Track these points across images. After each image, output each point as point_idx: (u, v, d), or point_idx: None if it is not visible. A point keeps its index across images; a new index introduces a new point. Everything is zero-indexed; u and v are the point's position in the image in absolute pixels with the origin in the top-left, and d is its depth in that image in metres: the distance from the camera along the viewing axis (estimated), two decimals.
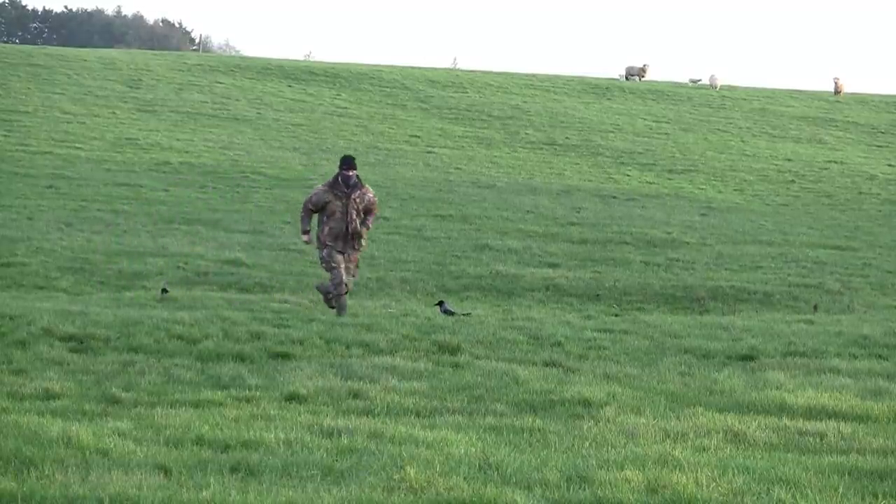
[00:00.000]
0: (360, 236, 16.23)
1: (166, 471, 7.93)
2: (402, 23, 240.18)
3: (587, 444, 9.15)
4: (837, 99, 57.06)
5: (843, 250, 26.46)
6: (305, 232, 16.50)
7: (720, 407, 10.75)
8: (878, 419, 10.45)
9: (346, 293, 16.20)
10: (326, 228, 16.16)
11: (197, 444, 8.73)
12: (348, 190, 16.20)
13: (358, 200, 16.22)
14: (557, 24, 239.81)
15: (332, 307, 16.17)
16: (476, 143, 40.77)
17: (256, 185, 30.74)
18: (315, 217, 16.46)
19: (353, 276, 16.44)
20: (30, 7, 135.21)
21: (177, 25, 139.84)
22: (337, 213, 16.11)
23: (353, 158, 16.61)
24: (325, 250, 16.19)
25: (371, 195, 16.44)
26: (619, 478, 7.92)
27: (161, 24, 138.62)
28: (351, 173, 16.23)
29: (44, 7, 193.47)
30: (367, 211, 16.34)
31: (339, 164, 16.54)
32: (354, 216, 16.15)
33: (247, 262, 21.44)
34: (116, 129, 37.93)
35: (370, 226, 16.49)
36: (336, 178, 16.32)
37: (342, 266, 16.06)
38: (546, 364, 13.23)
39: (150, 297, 17.45)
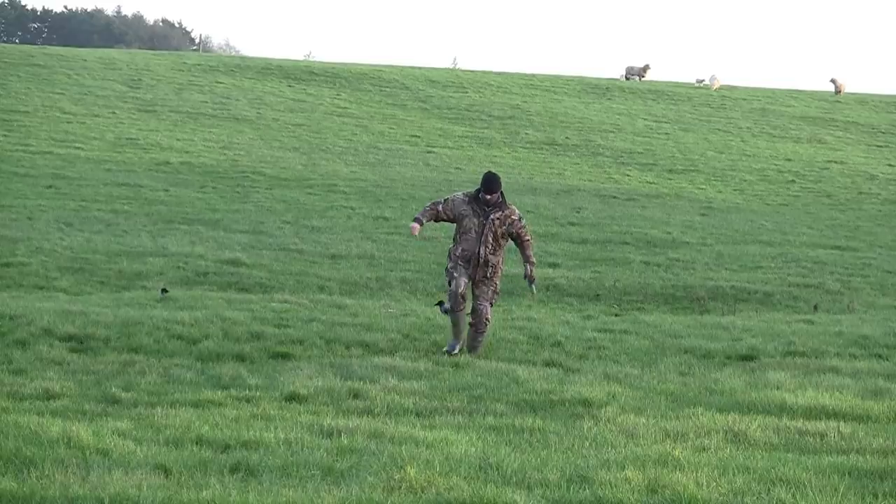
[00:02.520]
0: (493, 268, 13.92)
1: (166, 471, 7.93)
2: (402, 23, 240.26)
3: (587, 444, 9.15)
4: (837, 99, 57.06)
5: (843, 250, 26.45)
6: (418, 220, 13.92)
7: (720, 407, 10.76)
8: (878, 419, 10.45)
9: (485, 329, 14.00)
10: (459, 249, 13.90)
11: (197, 444, 8.73)
12: (489, 209, 13.84)
13: (498, 222, 13.83)
14: (557, 24, 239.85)
15: (472, 346, 13.90)
16: (476, 143, 40.76)
17: (256, 185, 30.73)
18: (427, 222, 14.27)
19: (491, 302, 13.99)
20: (29, 7, 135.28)
21: (177, 25, 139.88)
22: (472, 231, 13.83)
23: (497, 180, 13.92)
24: (451, 264, 13.97)
25: (516, 217, 13.94)
26: (619, 478, 7.92)
27: (161, 24, 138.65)
28: (490, 197, 13.80)
29: (44, 7, 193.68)
30: (516, 238, 14.00)
31: (480, 182, 13.98)
32: (490, 239, 13.81)
33: (247, 262, 21.43)
34: (116, 129, 37.92)
35: (531, 255, 14.15)
36: (477, 192, 13.91)
37: (464, 279, 13.83)
38: (546, 364, 13.25)
39: (150, 297, 17.45)
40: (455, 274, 13.86)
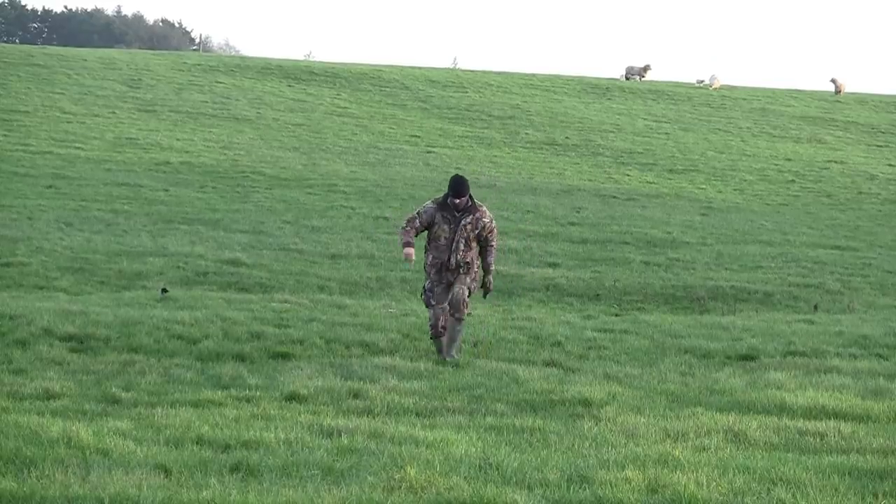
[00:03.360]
0: (467, 266, 13.50)
1: (166, 471, 7.94)
2: (402, 23, 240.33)
3: (587, 444, 9.15)
4: (837, 99, 57.06)
5: (843, 250, 26.46)
6: (408, 244, 13.49)
7: (720, 407, 10.76)
8: (878, 419, 10.45)
9: (463, 315, 13.66)
10: (430, 257, 13.56)
11: (197, 443, 8.74)
12: (459, 214, 13.46)
13: (469, 227, 13.44)
14: (557, 24, 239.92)
15: (451, 337, 13.64)
16: (476, 143, 40.76)
17: (256, 185, 30.73)
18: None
19: (469, 288, 13.62)
20: (30, 7, 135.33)
21: (177, 25, 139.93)
22: (442, 238, 13.47)
23: (465, 182, 13.53)
24: (428, 281, 13.65)
25: (488, 219, 13.52)
26: (619, 478, 7.92)
27: (161, 24, 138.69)
28: (459, 201, 13.41)
29: (44, 7, 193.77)
30: (485, 241, 13.59)
31: (448, 186, 13.61)
32: (462, 246, 13.42)
33: (247, 262, 21.43)
34: (116, 129, 37.92)
35: (492, 262, 13.70)
36: (445, 198, 13.56)
37: (441, 307, 13.50)
38: (546, 364, 13.25)
39: (150, 297, 17.46)
40: (433, 301, 13.52)
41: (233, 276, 20.41)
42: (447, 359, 13.32)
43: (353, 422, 9.61)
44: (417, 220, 13.57)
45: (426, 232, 13.67)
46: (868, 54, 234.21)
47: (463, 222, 13.45)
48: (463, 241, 13.44)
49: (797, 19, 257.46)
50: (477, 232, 13.50)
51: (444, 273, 13.51)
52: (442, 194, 13.72)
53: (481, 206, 13.61)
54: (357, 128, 41.97)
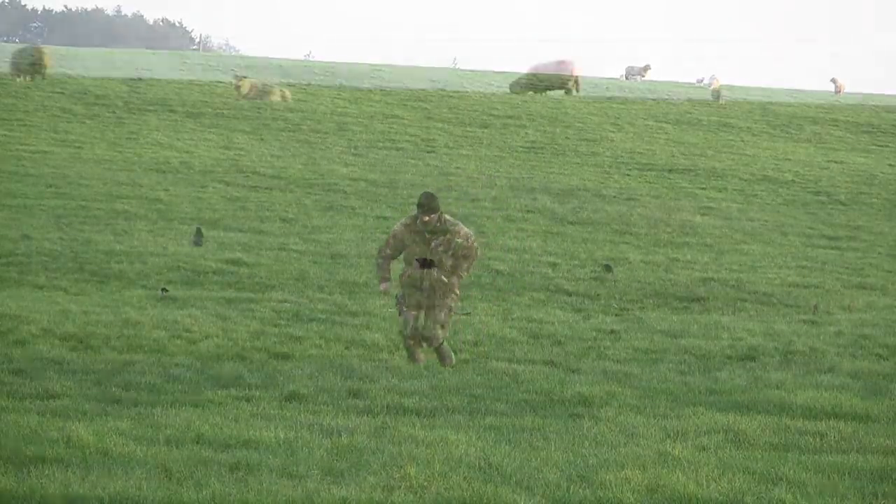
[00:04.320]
0: (445, 286, 13.00)
1: (166, 470, 7.94)
2: (402, 23, 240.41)
3: (587, 443, 9.15)
4: (838, 99, 57.06)
5: (843, 250, 26.46)
6: (384, 280, 13.19)
7: (720, 407, 10.76)
8: (878, 419, 10.46)
9: (437, 345, 13.16)
10: (406, 274, 13.15)
11: (197, 443, 8.74)
12: (430, 235, 12.97)
13: (441, 248, 12.93)
14: (557, 24, 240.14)
15: (441, 360, 13.24)
16: (476, 143, 40.76)
17: (256, 184, 30.73)
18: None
19: (444, 324, 13.08)
20: (30, 7, 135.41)
21: (177, 25, 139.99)
22: (415, 263, 13.07)
23: (434, 199, 13.06)
24: (402, 289, 13.26)
25: (461, 238, 12.95)
26: (619, 477, 7.92)
27: (161, 23, 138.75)
28: (428, 218, 12.88)
29: (44, 7, 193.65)
30: (463, 257, 13.02)
31: (417, 203, 13.16)
32: (436, 268, 12.98)
33: (247, 262, 21.43)
34: (116, 128, 37.92)
35: (464, 274, 13.10)
36: (415, 218, 13.04)
37: (413, 313, 13.03)
38: (546, 364, 13.24)
39: (151, 296, 17.45)
40: (405, 307, 13.07)
41: (233, 276, 20.41)
42: (442, 363, 13.13)
43: (353, 421, 9.62)
44: (389, 249, 13.18)
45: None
46: (868, 54, 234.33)
47: (434, 244, 12.97)
48: (437, 262, 12.94)
49: (797, 19, 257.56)
50: (453, 250, 12.95)
51: (416, 290, 13.01)
52: (412, 214, 13.24)
53: (456, 225, 13.07)
54: (357, 127, 41.98)
